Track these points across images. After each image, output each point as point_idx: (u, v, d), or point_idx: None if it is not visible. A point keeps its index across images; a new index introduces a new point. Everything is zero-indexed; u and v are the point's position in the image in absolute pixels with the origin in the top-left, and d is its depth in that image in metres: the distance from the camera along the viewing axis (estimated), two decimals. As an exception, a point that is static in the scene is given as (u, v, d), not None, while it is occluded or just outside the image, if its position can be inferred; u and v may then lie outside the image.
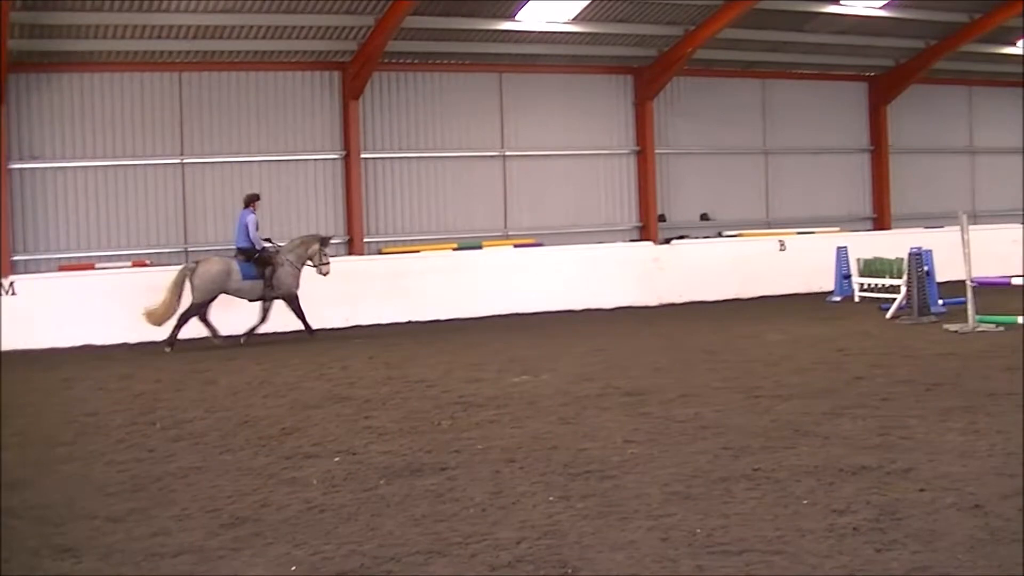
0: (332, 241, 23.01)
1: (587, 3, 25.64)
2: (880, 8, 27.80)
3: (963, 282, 18.42)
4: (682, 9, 26.54)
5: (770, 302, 25.29)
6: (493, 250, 26.21)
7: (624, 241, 28.19)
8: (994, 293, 20.88)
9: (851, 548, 6.77)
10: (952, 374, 13.53)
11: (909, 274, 20.56)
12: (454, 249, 26.21)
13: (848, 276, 25.18)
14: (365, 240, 26.88)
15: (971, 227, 19.01)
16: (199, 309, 20.87)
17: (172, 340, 20.51)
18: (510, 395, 13.18)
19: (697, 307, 25.12)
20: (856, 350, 16.30)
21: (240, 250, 21.33)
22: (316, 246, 21.84)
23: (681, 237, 28.84)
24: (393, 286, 23.80)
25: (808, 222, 30.71)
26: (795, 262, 27.01)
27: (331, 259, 22.05)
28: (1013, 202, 34.59)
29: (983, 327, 18.02)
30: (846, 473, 8.55)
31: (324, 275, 21.79)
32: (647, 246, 27.26)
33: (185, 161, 26.03)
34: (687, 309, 24.80)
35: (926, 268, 20.60)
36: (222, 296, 20.95)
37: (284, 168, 26.82)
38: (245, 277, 21.03)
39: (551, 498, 8.18)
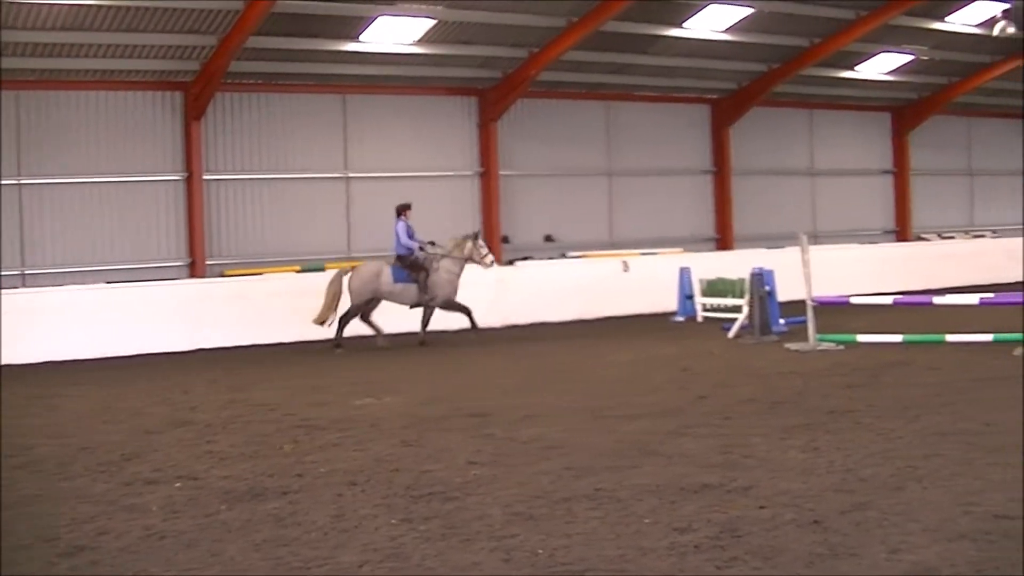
0: (175, 264, 22.66)
1: (432, 25, 25.62)
2: (723, 32, 28.20)
3: (804, 301, 18.69)
4: (527, 31, 26.65)
5: (614, 323, 25.45)
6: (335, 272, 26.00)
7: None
8: (834, 312, 21.21)
9: (692, 566, 6.79)
10: (793, 392, 13.70)
11: (751, 294, 20.81)
12: (297, 271, 25.96)
13: (691, 296, 25.43)
14: (208, 263, 26.53)
15: (811, 247, 19.30)
16: (357, 311, 21.81)
17: (338, 341, 21.57)
18: (353, 418, 13.05)
19: (542, 328, 25.18)
20: (699, 370, 16.44)
21: (398, 258, 21.86)
22: (469, 244, 22.12)
23: (525, 258, 28.87)
24: (236, 309, 23.47)
25: (652, 243, 30.97)
26: (639, 283, 27.19)
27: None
28: (852, 222, 35.31)
29: (824, 346, 18.29)
30: (688, 491, 8.59)
31: (488, 266, 22.33)
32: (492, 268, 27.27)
33: (22, 182, 25.42)
34: (532, 330, 24.84)
35: (767, 288, 20.87)
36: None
37: (125, 189, 26.34)
38: (396, 280, 21.69)
39: (393, 521, 8.08)
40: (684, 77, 31.05)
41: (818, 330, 18.57)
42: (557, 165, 30.58)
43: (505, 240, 29.56)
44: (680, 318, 25.52)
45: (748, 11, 27.34)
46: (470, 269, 22.30)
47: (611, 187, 31.51)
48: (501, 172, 29.37)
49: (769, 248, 29.88)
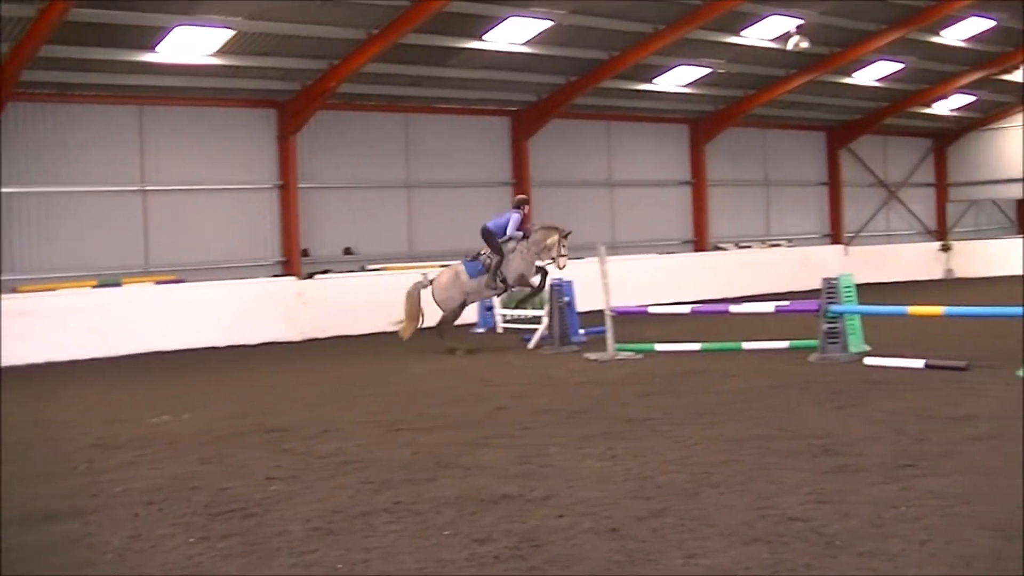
0: None
1: (230, 36, 25.26)
2: (522, 44, 28.33)
3: (603, 311, 18.88)
4: (326, 43, 26.43)
5: (414, 335, 25.39)
6: (134, 287, 25.47)
7: (267, 276, 27.83)
8: (633, 322, 21.45)
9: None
10: (592, 402, 13.81)
11: (550, 305, 20.96)
12: (93, 287, 25.36)
13: (491, 308, 25.54)
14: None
15: (610, 258, 19.50)
16: (454, 316, 22.03)
17: (452, 348, 21.28)
18: (151, 436, 12.77)
19: (341, 341, 25.06)
20: (499, 381, 16.49)
21: (486, 232, 21.64)
22: (555, 237, 21.52)
23: (325, 271, 28.67)
24: (29, 326, 22.86)
25: (451, 255, 30.80)
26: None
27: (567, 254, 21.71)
28: (650, 233, 35.80)
29: (622, 355, 18.50)
30: (487, 502, 8.58)
31: (561, 268, 21.45)
32: (290, 281, 27.02)
33: None
34: (331, 343, 24.70)
35: (567, 299, 21.03)
36: None
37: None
38: (472, 275, 21.59)
39: (191, 540, 7.93)
40: (484, 89, 31.11)
41: (617, 340, 18.78)
42: (357, 177, 30.38)
43: (304, 253, 29.25)
44: (481, 330, 25.62)
45: (547, 24, 27.49)
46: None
47: (411, 199, 31.41)
48: (300, 185, 29.05)
49: (569, 259, 30.08)
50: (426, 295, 21.96)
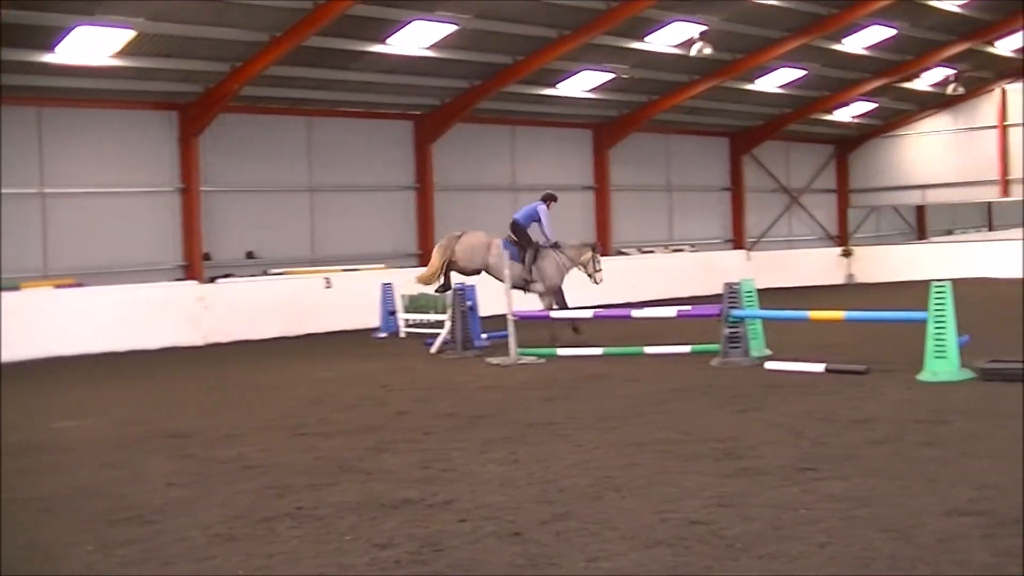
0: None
1: (131, 37, 24.98)
2: (426, 48, 28.27)
3: (505, 316, 18.90)
4: (229, 45, 26.20)
5: (317, 339, 25.31)
6: (32, 291, 25.09)
7: (168, 280, 27.53)
8: (536, 326, 21.49)
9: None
10: (494, 406, 13.83)
11: (453, 309, 20.94)
12: (-10, 290, 24.99)
13: (394, 312, 25.49)
14: None
15: (512, 263, 19.53)
16: (448, 279, 21.75)
17: (446, 285, 21.78)
18: (51, 441, 12.61)
19: (244, 346, 24.85)
20: (400, 385, 16.46)
21: (515, 224, 22.07)
22: (589, 253, 22.10)
23: (227, 276, 28.42)
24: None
25: (354, 259, 30.80)
26: (341, 299, 27.13)
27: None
28: (556, 237, 35.80)
29: (525, 359, 18.54)
30: (388, 507, 8.57)
31: (597, 283, 22.09)
32: (192, 285, 26.77)
33: None
34: (234, 348, 24.49)
35: (469, 303, 21.02)
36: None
37: None
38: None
39: (90, 548, 7.83)
40: (387, 93, 30.98)
41: (519, 344, 18.81)
42: (259, 181, 30.13)
43: (206, 257, 28.97)
44: (383, 334, 25.54)
45: (452, 28, 27.46)
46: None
47: (313, 203, 31.19)
48: (202, 188, 28.77)
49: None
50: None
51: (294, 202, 30.83)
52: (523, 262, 21.55)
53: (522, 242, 21.80)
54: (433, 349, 21.09)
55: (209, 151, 29.03)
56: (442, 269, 21.70)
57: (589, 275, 22.04)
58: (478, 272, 21.93)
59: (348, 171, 31.29)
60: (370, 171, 31.76)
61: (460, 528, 7.89)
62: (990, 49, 37.73)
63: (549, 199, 22.43)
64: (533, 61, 30.05)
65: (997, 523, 7.48)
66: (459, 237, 22.01)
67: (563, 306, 21.82)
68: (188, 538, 7.95)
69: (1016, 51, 38.66)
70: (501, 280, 20.34)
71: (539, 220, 21.97)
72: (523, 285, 21.66)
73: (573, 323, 21.35)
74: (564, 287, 22.14)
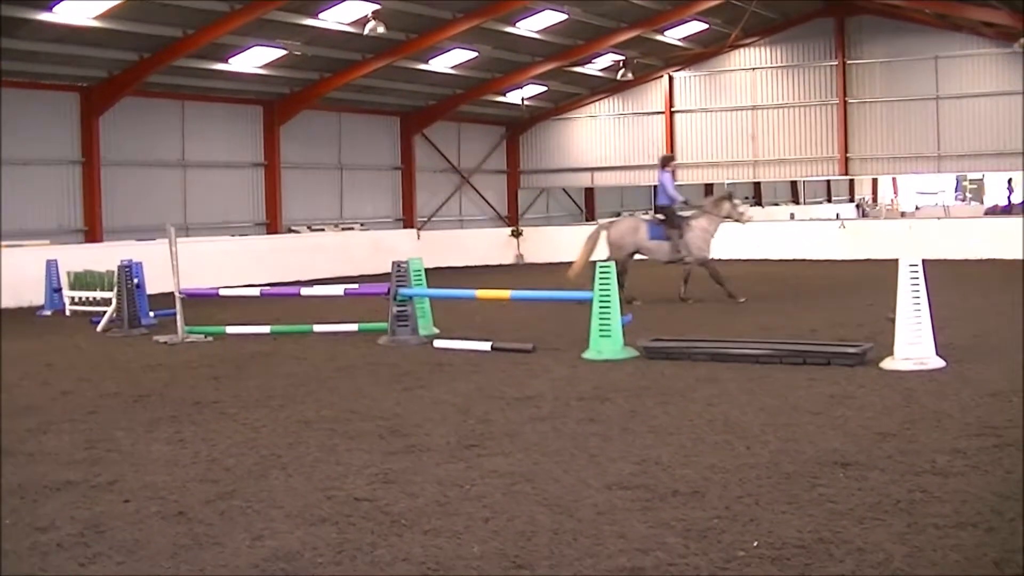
0: None
1: None
2: (94, 19, 27.50)
3: (173, 294, 18.68)
4: None
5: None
6: None
7: None
8: (205, 304, 21.30)
9: (55, 565, 6.71)
10: (160, 385, 13.68)
11: (119, 287, 20.55)
12: None
13: (59, 290, 24.85)
14: None
15: (182, 240, 19.31)
16: (620, 265, 21.33)
17: (629, 297, 21.55)
18: None
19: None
20: (64, 364, 16.08)
21: (658, 208, 22.80)
22: (727, 204, 22.84)
23: None
24: None
25: (17, 235, 29.79)
26: (4, 276, 26.22)
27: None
28: (223, 215, 35.33)
29: (192, 338, 18.35)
30: (50, 489, 8.44)
31: (745, 222, 23.65)
32: None
33: None
34: None
35: (136, 280, 20.69)
36: None
37: None
38: (652, 237, 22.42)
39: None
40: (52, 64, 29.98)
41: (187, 322, 18.61)
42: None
43: None
44: (47, 312, 24.87)
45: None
46: None
47: (-26, 176, 30.08)
48: None
49: (139, 240, 29.57)
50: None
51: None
52: (670, 239, 22.30)
53: (667, 221, 22.48)
54: (99, 328, 20.65)
55: None
56: (587, 260, 22.26)
57: (736, 220, 23.17)
58: (631, 256, 22.76)
59: (10, 144, 30.15)
60: (34, 144, 30.65)
61: (124, 509, 7.84)
62: (659, 37, 38.96)
63: (667, 162, 23.29)
64: (204, 35, 29.58)
65: (657, 496, 7.84)
66: (608, 226, 23.28)
67: (717, 278, 22.45)
68: None
69: (683, 40, 40.08)
70: (657, 259, 22.23)
71: (666, 185, 22.75)
72: (676, 260, 22.50)
73: (729, 294, 22.22)
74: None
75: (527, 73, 39.79)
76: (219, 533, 7.21)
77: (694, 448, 9.32)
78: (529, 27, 35.39)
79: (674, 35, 39.58)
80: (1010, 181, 52.37)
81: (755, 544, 6.69)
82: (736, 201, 23.77)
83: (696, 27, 39.28)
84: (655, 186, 23.96)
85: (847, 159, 40.12)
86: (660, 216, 23.15)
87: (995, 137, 37.42)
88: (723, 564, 6.38)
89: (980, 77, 37.71)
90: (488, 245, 42.25)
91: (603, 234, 23.17)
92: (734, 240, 33.62)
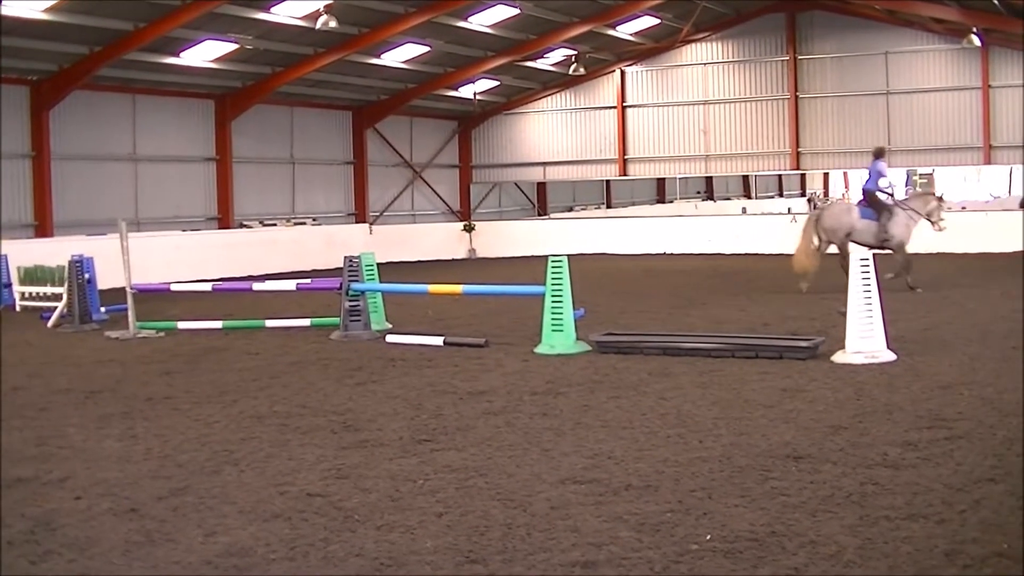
0: None
1: None
2: (43, 12, 27.31)
3: (124, 289, 18.58)
4: None
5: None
6: None
7: None
8: (156, 299, 21.20)
9: (5, 563, 6.70)
10: (112, 381, 13.61)
11: (70, 282, 20.42)
12: None
13: (9, 285, 24.67)
14: None
15: (133, 234, 19.20)
16: (843, 247, 22.14)
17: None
18: None
19: None
20: (15, 360, 15.92)
21: (865, 194, 22.94)
22: (934, 203, 23.11)
23: None
24: None
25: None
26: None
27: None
28: (175, 210, 35.22)
29: (144, 333, 18.26)
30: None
31: (940, 230, 23.04)
32: None
33: None
34: None
35: (87, 276, 20.56)
36: None
37: None
38: (863, 217, 22.62)
39: None
40: (1, 57, 29.84)
41: (139, 317, 18.53)
42: None
43: None
44: (-3, 307, 24.71)
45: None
46: None
47: (-80, 171, 29.84)
48: None
49: (90, 235, 29.39)
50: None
51: None
52: (879, 222, 22.59)
53: (876, 206, 22.76)
54: (50, 323, 20.51)
55: None
56: (808, 248, 22.79)
57: (933, 223, 23.06)
58: (848, 236, 22.72)
59: (-42, 137, 29.91)
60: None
61: (75, 505, 7.80)
62: (610, 32, 39.07)
63: (880, 154, 23.29)
64: (155, 28, 29.41)
65: (610, 490, 7.87)
66: (821, 211, 23.91)
67: (907, 264, 22.53)
68: None
69: (634, 35, 40.18)
70: (863, 243, 21.94)
71: (882, 175, 22.94)
72: (880, 244, 22.53)
73: (909, 285, 22.26)
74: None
75: (479, 68, 39.83)
76: (172, 529, 7.19)
77: (647, 442, 9.36)
78: (481, 22, 35.45)
79: (626, 30, 39.69)
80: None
81: (708, 537, 6.73)
82: (944, 205, 23.91)
83: (648, 22, 39.46)
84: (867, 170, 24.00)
85: (799, 153, 40.41)
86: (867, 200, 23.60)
87: (945, 132, 37.83)
88: (676, 557, 6.41)
89: (930, 73, 38.10)
90: (440, 240, 42.17)
91: (816, 219, 23.44)
92: (685, 235, 33.80)
